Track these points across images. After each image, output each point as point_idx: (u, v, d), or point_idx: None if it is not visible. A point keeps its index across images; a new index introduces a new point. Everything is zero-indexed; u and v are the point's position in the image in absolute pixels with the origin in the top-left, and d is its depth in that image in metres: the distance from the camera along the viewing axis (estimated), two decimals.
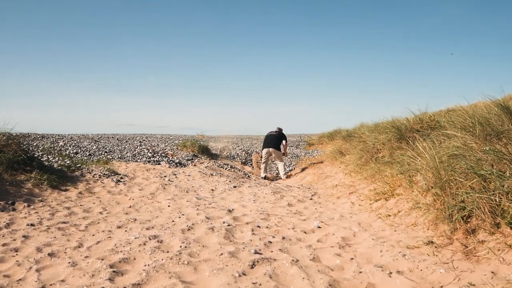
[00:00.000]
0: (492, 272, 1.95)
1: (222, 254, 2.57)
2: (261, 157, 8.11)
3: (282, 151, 7.94)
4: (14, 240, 2.94)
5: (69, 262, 2.48)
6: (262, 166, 7.86)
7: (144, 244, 2.81)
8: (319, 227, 3.29)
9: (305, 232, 3.15)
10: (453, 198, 2.54)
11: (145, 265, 2.40)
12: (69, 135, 11.26)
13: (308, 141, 13.36)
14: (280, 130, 8.04)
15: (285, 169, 7.85)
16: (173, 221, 3.52)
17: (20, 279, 2.24)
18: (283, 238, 2.96)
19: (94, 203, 4.31)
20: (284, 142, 7.90)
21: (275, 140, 7.82)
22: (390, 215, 3.28)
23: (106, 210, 4.06)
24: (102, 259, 2.53)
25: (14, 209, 3.79)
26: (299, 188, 5.80)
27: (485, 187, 2.35)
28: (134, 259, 2.54)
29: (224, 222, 3.41)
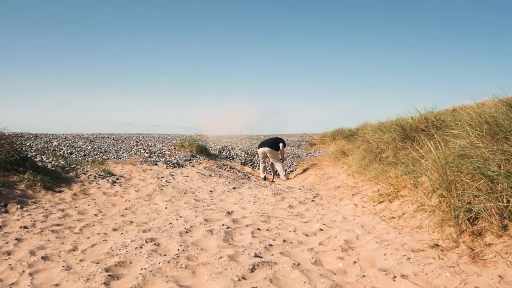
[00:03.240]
0: (500, 276, 1.91)
1: (221, 257, 2.53)
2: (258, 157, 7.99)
3: (280, 155, 7.77)
4: (7, 243, 2.87)
5: (63, 266, 2.42)
6: (261, 166, 7.73)
7: (141, 247, 2.75)
8: (321, 229, 3.24)
9: (306, 235, 3.09)
10: (459, 200, 2.49)
11: (142, 269, 2.35)
12: (63, 134, 11.13)
13: (310, 141, 13.25)
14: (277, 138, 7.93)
15: (285, 170, 7.72)
16: (170, 223, 3.45)
17: (12, 283, 2.18)
18: (284, 241, 2.90)
19: (89, 205, 4.23)
20: (281, 145, 7.72)
21: (271, 140, 7.70)
22: (394, 217, 3.22)
23: (101, 212, 3.98)
24: (98, 263, 2.47)
25: (6, 211, 3.70)
26: (300, 189, 5.74)
27: (492, 188, 2.30)
28: (130, 262, 2.48)
29: (223, 225, 3.34)
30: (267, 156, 7.65)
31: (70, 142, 9.25)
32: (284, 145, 7.86)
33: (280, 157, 7.74)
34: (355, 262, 2.44)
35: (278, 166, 7.59)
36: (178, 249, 2.69)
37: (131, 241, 2.90)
